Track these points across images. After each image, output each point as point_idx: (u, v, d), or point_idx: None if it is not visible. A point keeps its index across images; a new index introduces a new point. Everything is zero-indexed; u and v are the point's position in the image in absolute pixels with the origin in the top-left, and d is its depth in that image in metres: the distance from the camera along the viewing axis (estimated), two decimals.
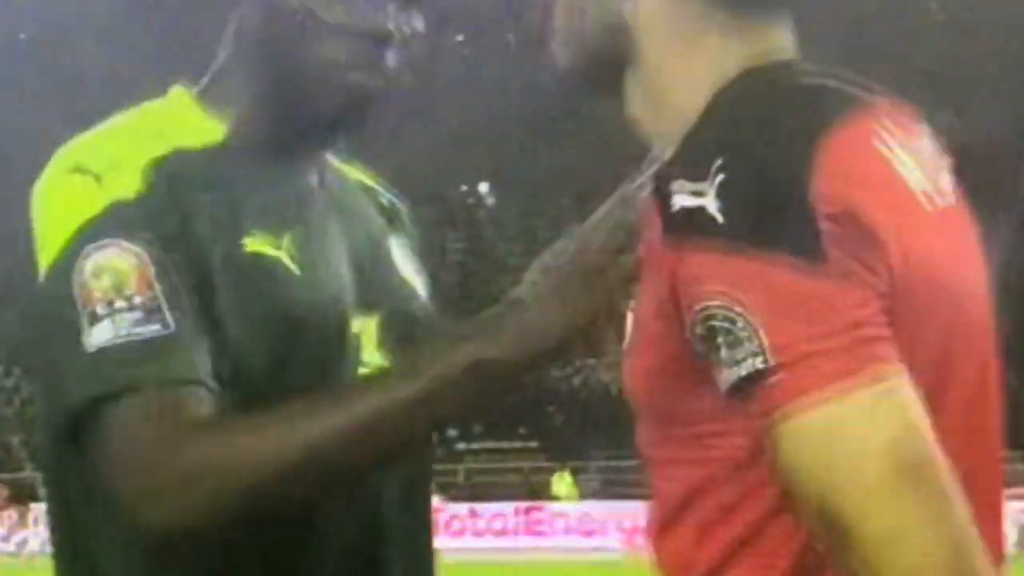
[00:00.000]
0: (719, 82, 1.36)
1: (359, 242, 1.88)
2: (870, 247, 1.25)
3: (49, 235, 1.70)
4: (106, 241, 1.67)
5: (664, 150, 1.40)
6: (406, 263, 1.95)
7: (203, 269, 1.70)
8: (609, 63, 1.45)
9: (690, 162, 1.28)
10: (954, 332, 1.34)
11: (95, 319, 1.64)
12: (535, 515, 30.81)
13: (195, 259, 1.70)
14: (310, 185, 1.86)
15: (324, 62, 1.78)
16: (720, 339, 1.25)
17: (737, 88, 1.36)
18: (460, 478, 34.53)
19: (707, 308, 1.26)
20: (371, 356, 1.82)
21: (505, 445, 36.18)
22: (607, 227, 1.58)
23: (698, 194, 1.26)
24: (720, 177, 1.26)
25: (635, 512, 29.50)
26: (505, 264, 38.82)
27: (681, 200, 1.27)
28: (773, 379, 1.23)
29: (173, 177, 1.73)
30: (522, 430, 36.25)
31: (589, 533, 30.43)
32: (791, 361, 1.23)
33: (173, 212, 1.70)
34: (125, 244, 1.67)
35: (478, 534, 29.62)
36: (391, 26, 1.79)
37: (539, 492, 32.45)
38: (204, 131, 1.82)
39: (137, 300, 1.65)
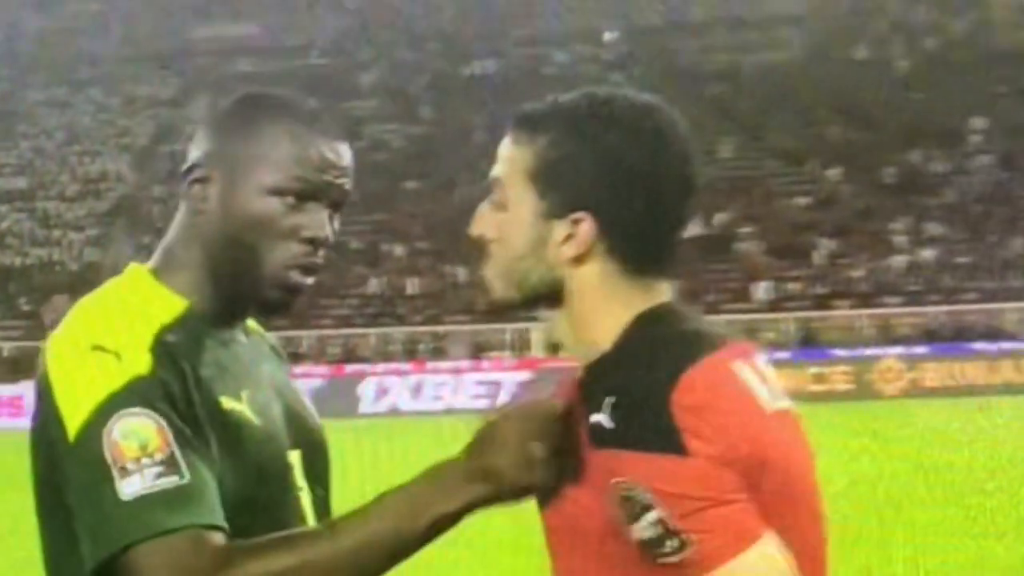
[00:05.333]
0: (623, 322, 2.10)
1: (279, 384, 2.43)
2: (723, 439, 1.94)
3: (76, 404, 2.13)
4: (131, 410, 2.11)
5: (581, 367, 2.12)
6: (302, 394, 2.51)
7: (200, 425, 2.17)
8: (540, 303, 2.16)
9: (595, 398, 2.00)
10: (796, 497, 2.04)
11: (125, 473, 2.07)
12: None
13: (194, 417, 2.16)
14: (242, 342, 2.39)
15: (273, 261, 2.29)
16: (628, 505, 1.95)
17: (631, 333, 2.08)
18: None
19: (620, 482, 1.95)
20: (301, 481, 2.36)
21: None
22: (526, 417, 2.11)
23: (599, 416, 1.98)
24: (611, 403, 1.97)
25: None
26: None
27: (594, 419, 1.99)
28: (677, 543, 1.94)
29: (168, 351, 2.19)
30: None
31: None
32: (689, 529, 1.93)
33: (175, 381, 2.17)
34: (146, 411, 2.11)
35: None
36: (328, 233, 2.33)
37: None
38: (172, 305, 2.28)
39: (158, 457, 2.09)
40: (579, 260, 2.13)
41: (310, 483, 2.40)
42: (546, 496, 2.13)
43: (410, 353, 43.15)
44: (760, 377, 2.08)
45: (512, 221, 2.17)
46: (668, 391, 1.97)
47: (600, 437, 2.00)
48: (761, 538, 1.97)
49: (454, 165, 53.63)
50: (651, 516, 1.95)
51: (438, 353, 43.16)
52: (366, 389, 39.07)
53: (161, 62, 65.58)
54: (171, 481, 2.10)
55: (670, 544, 1.96)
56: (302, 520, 2.35)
